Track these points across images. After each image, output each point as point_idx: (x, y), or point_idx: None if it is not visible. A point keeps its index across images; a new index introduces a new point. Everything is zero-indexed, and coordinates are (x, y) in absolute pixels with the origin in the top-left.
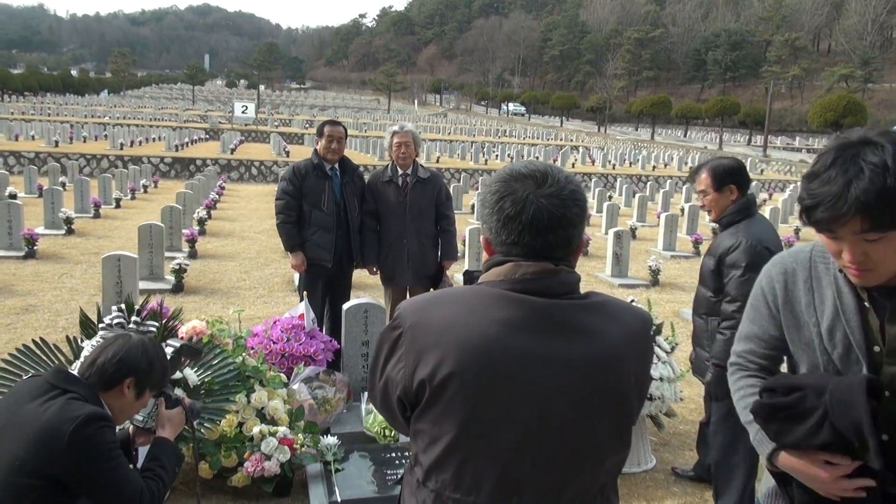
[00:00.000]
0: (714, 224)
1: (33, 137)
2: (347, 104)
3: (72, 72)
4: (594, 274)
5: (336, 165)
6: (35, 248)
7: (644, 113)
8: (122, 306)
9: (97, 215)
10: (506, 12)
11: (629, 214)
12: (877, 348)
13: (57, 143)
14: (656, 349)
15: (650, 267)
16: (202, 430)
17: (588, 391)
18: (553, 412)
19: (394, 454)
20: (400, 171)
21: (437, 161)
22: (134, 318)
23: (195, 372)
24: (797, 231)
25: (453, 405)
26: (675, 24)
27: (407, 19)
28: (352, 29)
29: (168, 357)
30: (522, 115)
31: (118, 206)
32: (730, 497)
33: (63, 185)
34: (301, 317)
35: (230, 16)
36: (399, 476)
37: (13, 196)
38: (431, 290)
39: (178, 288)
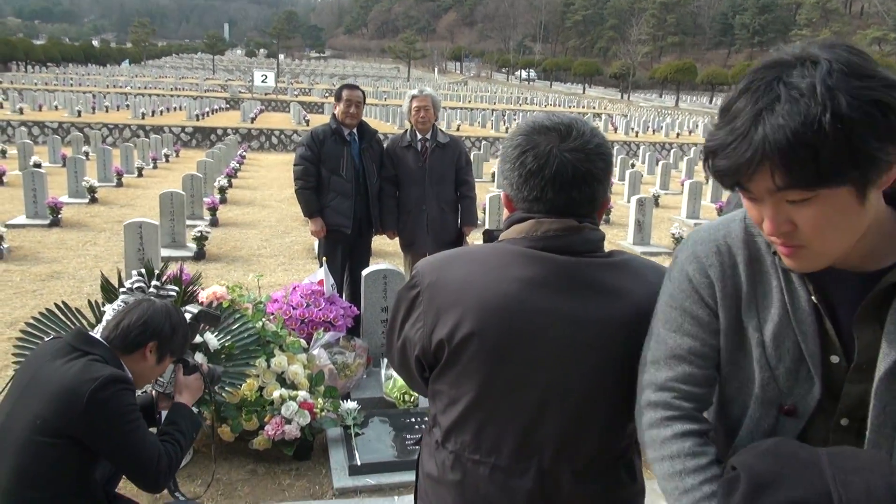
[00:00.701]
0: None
1: (56, 108)
2: (367, 73)
3: (93, 42)
4: (616, 241)
5: (354, 130)
6: (59, 216)
7: (668, 79)
8: (143, 271)
9: (120, 184)
10: None
11: (652, 182)
12: (834, 359)
13: (80, 112)
14: None
15: (673, 234)
16: (223, 395)
17: (611, 351)
18: (574, 373)
19: (414, 419)
20: (419, 136)
21: (458, 129)
22: (154, 282)
23: (216, 336)
24: None
25: (473, 365)
26: None
27: None
28: None
29: (186, 322)
30: (532, 80)
31: (140, 175)
32: None
33: (86, 154)
34: (321, 283)
35: None
36: (418, 440)
37: (38, 165)
38: None
39: (199, 255)
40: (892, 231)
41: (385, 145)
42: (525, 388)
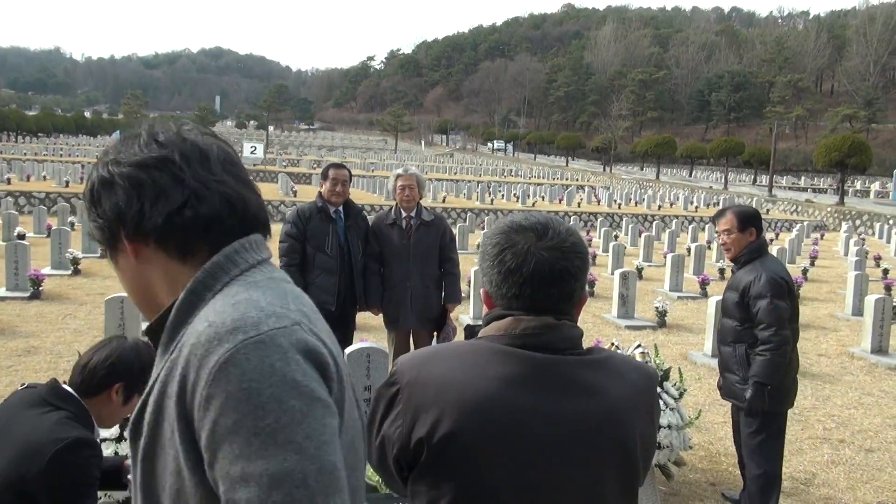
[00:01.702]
0: (731, 262)
1: (45, 178)
2: (355, 144)
3: (85, 113)
4: (600, 315)
5: (340, 208)
6: (40, 288)
7: (649, 153)
8: None
9: (104, 255)
10: (511, 55)
11: (635, 254)
12: None
13: (67, 183)
14: (664, 396)
15: (657, 308)
16: None
17: (591, 451)
18: (556, 473)
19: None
20: (404, 214)
21: (444, 200)
22: None
23: None
24: (805, 271)
25: (452, 466)
26: (679, 66)
27: (414, 62)
28: (360, 71)
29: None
30: (504, 151)
31: None
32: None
33: (72, 224)
34: None
35: (241, 58)
36: None
37: (22, 236)
38: (435, 333)
39: None
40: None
41: (370, 222)
42: (506, 489)
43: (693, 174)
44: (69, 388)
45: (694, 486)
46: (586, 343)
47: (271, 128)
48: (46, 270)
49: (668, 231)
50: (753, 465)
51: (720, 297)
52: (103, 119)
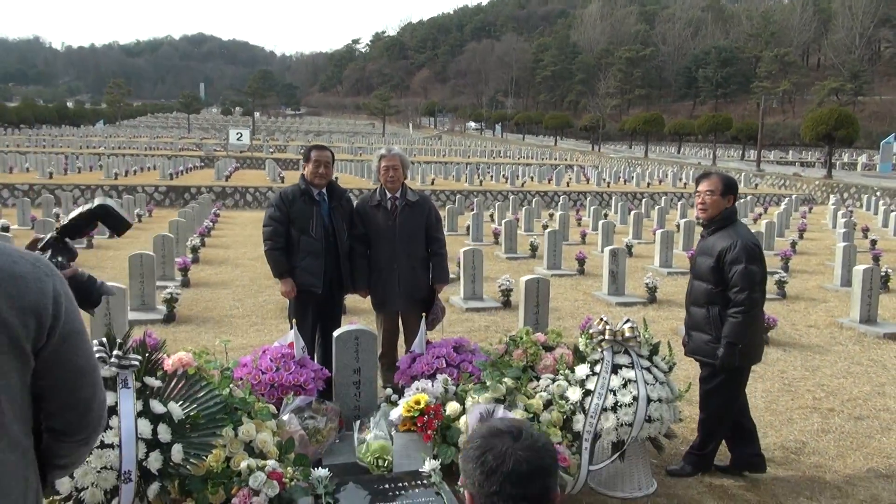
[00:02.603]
0: (702, 225)
1: (28, 170)
2: (342, 129)
3: (68, 103)
4: (591, 293)
5: (324, 190)
6: None
7: (637, 131)
8: (104, 340)
9: (90, 246)
10: (497, 35)
11: (625, 232)
12: None
13: (51, 174)
14: (654, 370)
15: (647, 284)
16: (188, 467)
17: None
18: None
19: (387, 485)
20: (389, 195)
21: (433, 183)
22: (116, 352)
23: (180, 406)
24: (793, 244)
25: None
26: (666, 43)
27: (400, 44)
28: (345, 54)
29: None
30: (481, 131)
31: (112, 236)
32: (714, 443)
33: (57, 216)
34: (291, 345)
35: (225, 44)
36: None
37: (6, 229)
38: (424, 314)
39: (169, 318)
40: None
41: (355, 204)
42: None
43: (682, 151)
44: None
45: (680, 461)
46: (580, 317)
47: (257, 114)
48: None
49: (657, 208)
50: (706, 410)
51: None
52: (86, 109)
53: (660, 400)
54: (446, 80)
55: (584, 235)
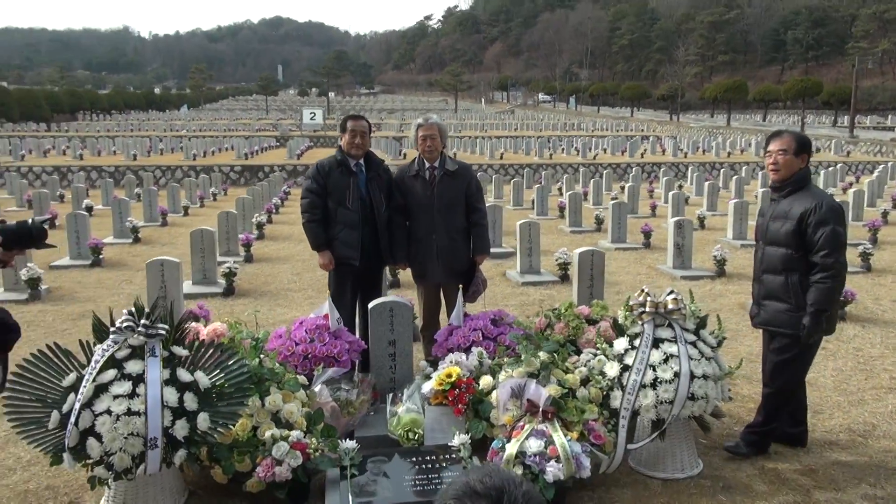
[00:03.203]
0: (772, 187)
1: (115, 153)
2: (415, 106)
3: (155, 90)
4: (655, 266)
5: (361, 161)
6: (101, 256)
7: (719, 99)
8: (133, 310)
9: (164, 223)
10: (572, 4)
11: (699, 204)
12: None
13: (135, 156)
14: (700, 345)
15: (714, 257)
16: (215, 435)
17: None
18: None
19: (416, 458)
20: (427, 165)
21: (501, 157)
22: (143, 321)
23: (209, 375)
24: (885, 214)
25: None
26: (751, 5)
27: (472, 18)
28: (418, 31)
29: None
30: (553, 103)
31: (186, 213)
32: (777, 422)
33: (138, 196)
34: (326, 317)
35: (301, 26)
36: (418, 482)
37: (89, 209)
38: (461, 287)
39: (228, 291)
40: None
41: (394, 174)
42: None
43: (767, 118)
44: None
45: (737, 438)
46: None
47: (332, 94)
48: (109, 239)
49: (735, 178)
50: (777, 382)
51: None
52: (171, 94)
53: (705, 377)
54: (519, 53)
55: (654, 208)
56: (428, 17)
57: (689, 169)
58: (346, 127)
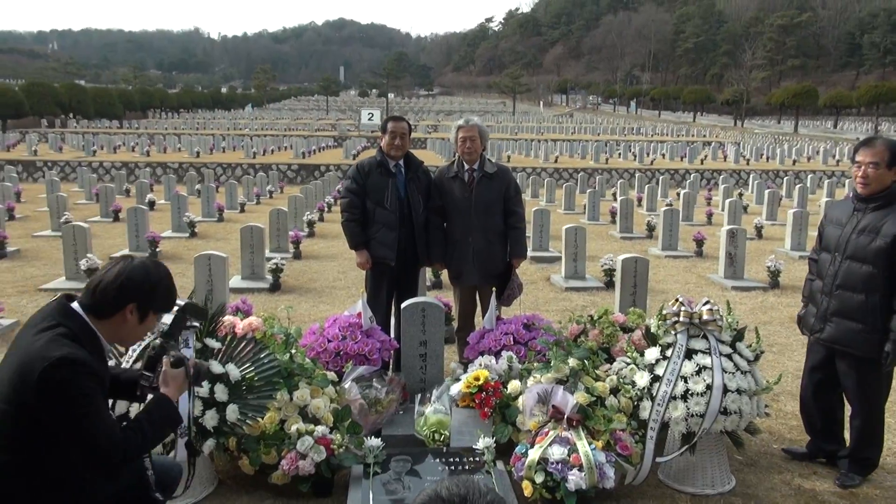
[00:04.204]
0: (860, 199)
1: (179, 149)
2: (473, 108)
3: (221, 89)
4: (706, 275)
5: (400, 162)
6: (158, 249)
7: (787, 104)
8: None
9: (220, 219)
10: (635, 7)
11: (759, 213)
12: None
13: (198, 153)
14: (735, 357)
15: (768, 268)
16: (243, 427)
17: None
18: None
19: (439, 459)
20: (466, 166)
21: (556, 161)
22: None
23: (240, 368)
24: None
25: None
26: (826, 7)
27: (533, 20)
28: (478, 34)
29: (172, 315)
30: (598, 105)
31: (242, 210)
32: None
33: (198, 192)
34: (359, 315)
35: (363, 28)
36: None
37: (151, 203)
38: (494, 289)
39: (275, 287)
40: None
41: (433, 176)
42: None
43: (839, 126)
44: (77, 307)
45: (775, 456)
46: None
47: (391, 95)
48: (167, 233)
49: (798, 187)
50: (864, 409)
51: None
52: (236, 94)
53: (739, 391)
54: (580, 56)
55: (710, 215)
56: (489, 20)
57: (751, 177)
58: (386, 128)
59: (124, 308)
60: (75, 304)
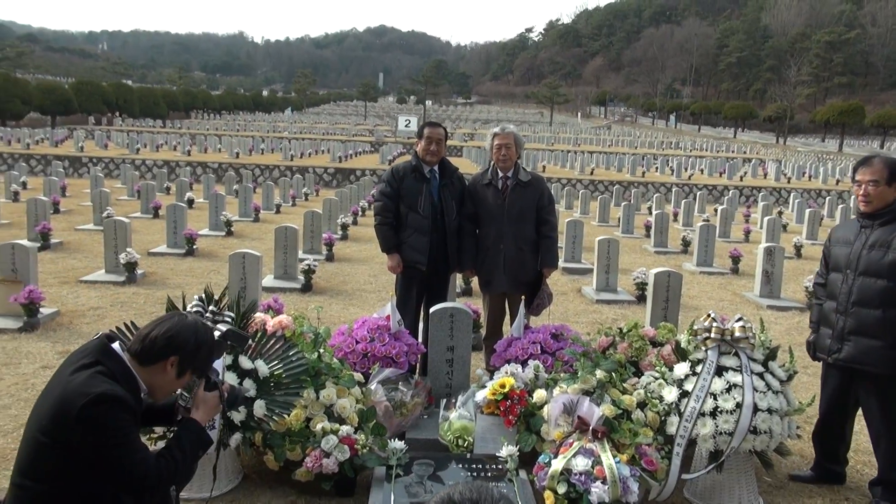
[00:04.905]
0: (864, 217)
1: (220, 150)
2: (510, 117)
3: (263, 92)
4: (741, 293)
5: (435, 168)
6: (195, 246)
7: (832, 122)
8: (202, 296)
9: (256, 219)
10: (678, 20)
11: (798, 231)
12: None
13: (238, 154)
14: (767, 377)
15: (806, 288)
16: (270, 423)
17: None
18: None
19: (461, 465)
20: (500, 174)
21: (592, 173)
22: (211, 307)
23: (269, 365)
24: None
25: None
26: (875, 24)
27: (574, 31)
28: (518, 43)
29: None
30: (636, 118)
31: (278, 211)
32: None
33: (236, 192)
34: (388, 318)
35: (404, 35)
36: None
37: (190, 202)
38: (523, 298)
39: (306, 287)
40: None
41: (468, 182)
42: None
43: (885, 145)
44: (118, 347)
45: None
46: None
47: (429, 102)
48: (204, 231)
49: (840, 207)
50: (891, 431)
51: None
52: (277, 97)
53: (770, 410)
54: (620, 68)
55: (747, 233)
56: (529, 30)
57: (792, 195)
58: (422, 133)
59: (166, 359)
60: (116, 345)
